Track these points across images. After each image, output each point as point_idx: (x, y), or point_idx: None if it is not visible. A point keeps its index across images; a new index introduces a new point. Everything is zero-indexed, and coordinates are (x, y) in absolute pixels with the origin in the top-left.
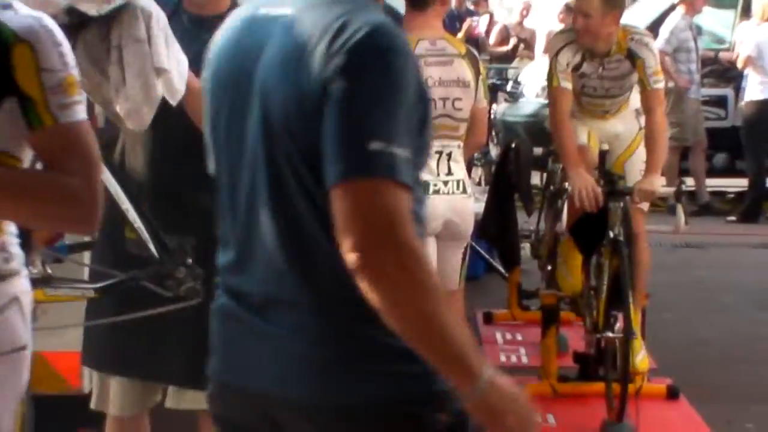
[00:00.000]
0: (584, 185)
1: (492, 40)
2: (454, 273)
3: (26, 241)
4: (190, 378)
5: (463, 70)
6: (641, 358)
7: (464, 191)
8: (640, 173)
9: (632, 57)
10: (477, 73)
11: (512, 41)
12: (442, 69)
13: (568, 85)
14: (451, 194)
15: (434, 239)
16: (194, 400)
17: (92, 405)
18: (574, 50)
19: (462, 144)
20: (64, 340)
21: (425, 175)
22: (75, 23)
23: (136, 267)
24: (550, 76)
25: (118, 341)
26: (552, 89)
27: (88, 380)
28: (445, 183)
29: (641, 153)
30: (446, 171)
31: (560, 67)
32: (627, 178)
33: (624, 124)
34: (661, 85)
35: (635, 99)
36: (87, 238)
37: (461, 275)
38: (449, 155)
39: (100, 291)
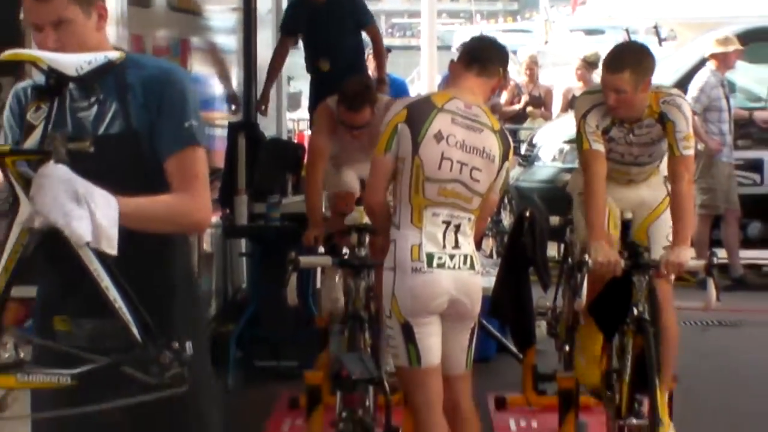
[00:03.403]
0: (606, 258)
1: (503, 99)
2: (460, 355)
3: None
4: None
5: (491, 143)
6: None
7: (472, 267)
8: (667, 239)
9: (663, 120)
10: (504, 157)
11: (523, 99)
12: (469, 133)
13: (600, 147)
14: (457, 269)
15: (438, 318)
16: None
17: None
18: (602, 112)
19: (473, 218)
20: None
21: (429, 246)
22: (52, 85)
23: (68, 363)
24: (580, 139)
25: None
26: (583, 153)
27: None
28: (451, 257)
29: (668, 217)
30: (453, 244)
31: (589, 128)
32: (652, 243)
33: (650, 190)
34: (691, 151)
35: (665, 166)
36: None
37: (469, 358)
38: (458, 227)
39: (77, 377)
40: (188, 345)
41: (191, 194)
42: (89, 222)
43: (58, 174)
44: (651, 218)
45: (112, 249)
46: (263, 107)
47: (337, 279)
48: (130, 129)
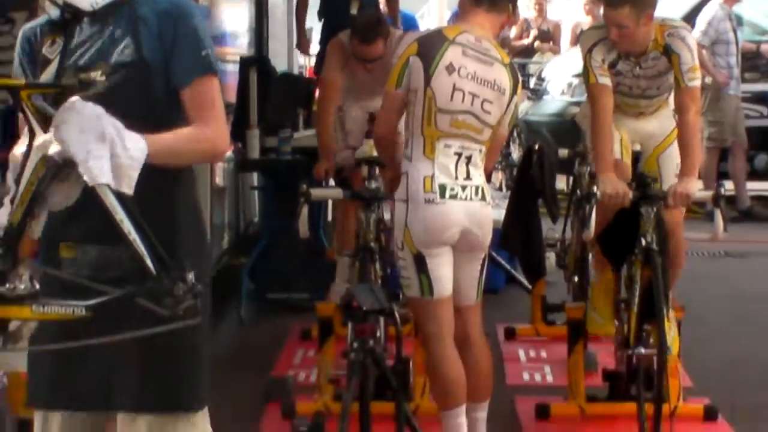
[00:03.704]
0: (614, 189)
1: (512, 34)
2: (471, 286)
3: (11, 253)
4: (143, 402)
5: (502, 76)
6: (672, 338)
7: (483, 198)
8: (677, 168)
9: (668, 53)
10: (514, 91)
11: (532, 34)
12: (480, 66)
13: (606, 81)
14: (469, 200)
15: (450, 249)
16: (150, 427)
17: None
18: (608, 47)
19: (484, 150)
20: None
21: (442, 177)
22: (68, 19)
23: (75, 292)
24: (586, 73)
25: (64, 374)
26: (590, 87)
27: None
28: (463, 188)
29: (677, 148)
30: (465, 175)
31: (595, 63)
32: (663, 172)
33: (659, 122)
34: (697, 83)
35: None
36: None
37: (479, 289)
38: (469, 158)
39: (92, 309)
40: (191, 275)
41: (209, 123)
42: (108, 162)
43: (88, 111)
44: (660, 148)
45: (129, 189)
46: (305, 46)
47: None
48: (142, 60)
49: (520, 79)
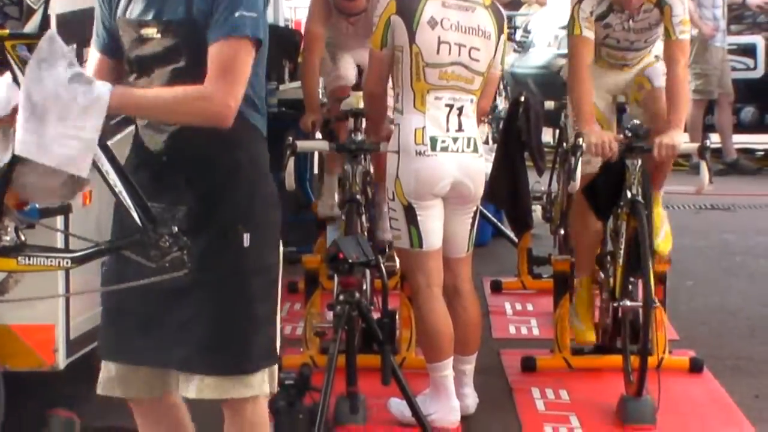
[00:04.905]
0: (599, 138)
1: None
2: (462, 239)
3: None
4: (198, 364)
5: (485, 20)
6: (663, 238)
7: (475, 150)
8: (663, 77)
9: (661, 5)
10: (500, 31)
11: None
12: (463, 14)
13: (590, 34)
14: (461, 152)
15: (441, 202)
16: (204, 388)
17: (98, 390)
18: None
19: (475, 100)
20: (37, 312)
21: (433, 130)
22: None
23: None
24: (572, 23)
25: (119, 328)
26: (572, 38)
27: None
28: (455, 140)
29: (661, 65)
30: (457, 127)
31: (583, 14)
32: (652, 80)
33: (640, 67)
34: (687, 36)
35: (657, 47)
36: (59, 203)
37: (470, 241)
38: (460, 110)
39: (78, 260)
40: (246, 237)
41: (217, 84)
42: (37, 136)
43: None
44: (645, 67)
45: (52, 163)
46: None
47: (336, 197)
48: (190, 18)
49: (505, 17)
